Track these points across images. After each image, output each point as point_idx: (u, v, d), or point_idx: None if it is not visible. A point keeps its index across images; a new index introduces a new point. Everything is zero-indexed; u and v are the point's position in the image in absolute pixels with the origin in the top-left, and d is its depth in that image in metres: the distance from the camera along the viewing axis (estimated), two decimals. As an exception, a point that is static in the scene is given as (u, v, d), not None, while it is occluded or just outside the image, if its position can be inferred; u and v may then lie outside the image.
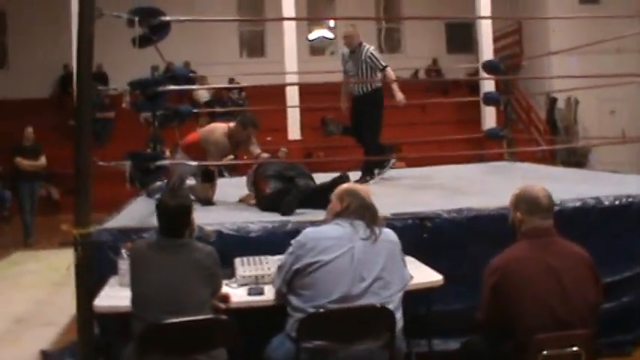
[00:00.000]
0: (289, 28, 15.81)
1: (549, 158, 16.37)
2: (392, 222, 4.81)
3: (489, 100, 9.63)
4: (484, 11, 15.27)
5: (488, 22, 15.89)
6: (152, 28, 5.09)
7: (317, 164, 12.64)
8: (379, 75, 7.77)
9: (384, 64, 7.79)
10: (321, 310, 3.39)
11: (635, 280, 5.30)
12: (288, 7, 15.58)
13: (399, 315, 3.54)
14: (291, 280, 3.58)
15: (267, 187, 5.95)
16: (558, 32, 17.92)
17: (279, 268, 3.72)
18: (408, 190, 7.14)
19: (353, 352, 3.40)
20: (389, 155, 8.25)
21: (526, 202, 3.51)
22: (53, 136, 16.33)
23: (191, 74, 17.47)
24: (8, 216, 14.62)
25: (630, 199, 5.41)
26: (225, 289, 4.03)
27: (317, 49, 22.01)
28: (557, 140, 17.10)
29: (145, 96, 5.06)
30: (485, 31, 16.09)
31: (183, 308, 3.49)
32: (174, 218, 3.74)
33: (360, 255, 3.52)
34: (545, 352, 3.21)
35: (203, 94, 18.63)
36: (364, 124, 7.94)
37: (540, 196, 3.50)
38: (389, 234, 3.74)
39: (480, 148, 12.95)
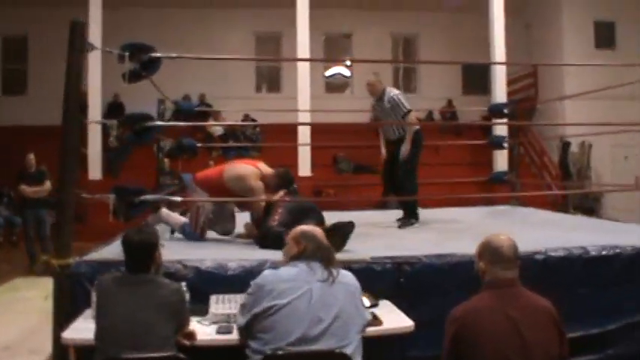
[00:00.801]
0: (303, 66, 15.97)
1: (561, 203, 16.29)
2: (371, 265, 4.83)
3: (494, 143, 9.61)
4: (499, 55, 15.33)
5: (503, 66, 15.93)
6: (143, 64, 5.14)
7: (326, 202, 12.63)
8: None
9: (407, 108, 7.58)
10: (279, 352, 3.38)
11: (619, 333, 5.20)
12: (304, 45, 15.74)
13: (358, 358, 3.52)
14: (251, 324, 3.58)
15: (275, 221, 5.94)
16: (573, 76, 17.91)
17: (242, 306, 3.73)
18: (400, 232, 7.11)
19: None
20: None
21: (489, 252, 3.48)
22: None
23: (204, 108, 17.77)
24: (16, 241, 14.75)
25: (618, 250, 5.32)
26: (197, 326, 4.04)
27: (333, 86, 22.11)
28: (569, 185, 17.00)
29: (133, 131, 5.10)
30: (499, 75, 16.15)
31: (145, 344, 3.50)
32: (138, 254, 3.76)
33: (318, 297, 3.52)
34: (504, 405, 3.17)
35: (217, 128, 18.75)
36: (400, 166, 7.69)
37: (504, 246, 3.46)
38: (346, 275, 3.74)
39: (492, 192, 12.85)
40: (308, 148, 16.12)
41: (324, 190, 16.40)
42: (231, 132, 19.01)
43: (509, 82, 18.31)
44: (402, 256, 4.96)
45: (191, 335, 3.87)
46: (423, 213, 8.31)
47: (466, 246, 5.32)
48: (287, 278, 3.61)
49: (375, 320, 4.04)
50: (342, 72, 22.23)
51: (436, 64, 20.09)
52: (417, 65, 22.25)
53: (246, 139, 18.65)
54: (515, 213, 9.12)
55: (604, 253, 5.30)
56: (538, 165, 19.06)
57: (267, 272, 3.72)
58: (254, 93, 21.35)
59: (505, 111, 9.07)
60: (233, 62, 20.12)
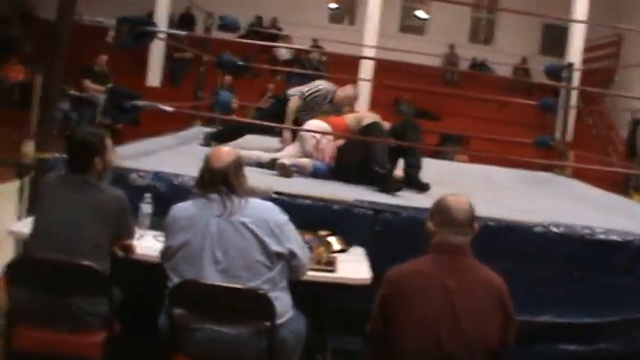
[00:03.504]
0: (375, 1, 15.63)
1: (621, 183, 15.50)
2: (351, 208, 4.56)
3: (544, 107, 9.11)
4: (580, 16, 14.61)
5: (582, 28, 15.19)
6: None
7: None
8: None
9: None
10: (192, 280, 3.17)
11: (617, 327, 4.74)
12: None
13: (280, 302, 3.24)
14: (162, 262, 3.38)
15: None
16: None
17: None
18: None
19: (221, 334, 3.15)
20: None
21: (439, 212, 3.12)
22: (125, 66, 16.49)
23: (275, 31, 17.56)
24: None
25: (629, 238, 4.76)
26: (150, 240, 3.89)
27: (409, 26, 21.57)
28: (633, 166, 16.14)
29: (131, 34, 4.88)
30: (577, 37, 15.43)
31: (73, 249, 3.39)
32: (76, 153, 3.61)
33: (214, 234, 3.21)
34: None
35: (284, 53, 18.58)
36: None
37: (458, 210, 3.08)
38: (259, 208, 3.33)
39: (551, 157, 12.03)
40: (368, 85, 15.79)
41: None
42: (297, 58, 18.84)
43: (590, 49, 17.48)
44: (384, 204, 4.64)
45: (128, 248, 3.72)
46: (462, 167, 7.96)
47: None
48: (185, 214, 3.32)
49: (329, 266, 3.81)
50: (419, 14, 21.64)
51: (514, 13, 19.14)
52: (497, 18, 21.47)
53: (311, 68, 18.39)
54: (553, 182, 8.64)
55: (612, 237, 4.77)
56: (604, 139, 18.21)
57: (174, 207, 3.44)
58: (327, 22, 21.00)
59: (561, 73, 8.57)
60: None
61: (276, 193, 4.45)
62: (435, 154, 12.73)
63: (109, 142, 3.70)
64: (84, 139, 3.62)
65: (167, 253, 3.31)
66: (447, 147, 15.44)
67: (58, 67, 4.62)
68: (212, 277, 3.16)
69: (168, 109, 5.31)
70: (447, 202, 3.14)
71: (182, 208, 3.37)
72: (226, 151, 3.43)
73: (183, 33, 7.45)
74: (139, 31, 4.86)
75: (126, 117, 4.92)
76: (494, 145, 14.00)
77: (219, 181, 3.30)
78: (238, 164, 3.40)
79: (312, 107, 6.98)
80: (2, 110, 15.91)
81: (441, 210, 3.14)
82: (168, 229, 3.33)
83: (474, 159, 13.03)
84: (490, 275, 3.07)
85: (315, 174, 5.88)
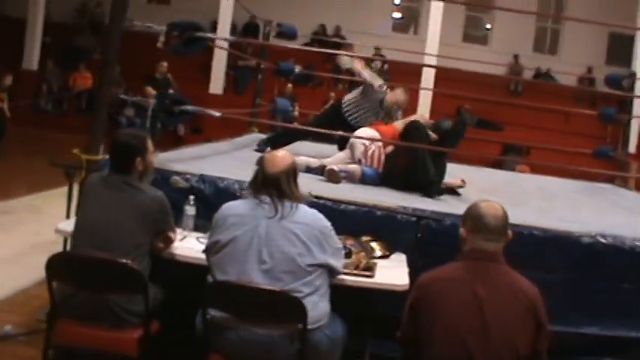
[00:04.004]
0: (437, 9, 15.54)
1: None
2: (394, 214, 4.55)
3: (604, 116, 8.93)
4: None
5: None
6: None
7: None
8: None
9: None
10: (228, 280, 3.23)
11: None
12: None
13: (318, 307, 3.26)
14: (207, 259, 3.45)
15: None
16: None
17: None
18: (468, 192, 6.67)
19: (254, 335, 3.19)
20: None
21: (471, 218, 3.06)
22: (190, 74, 16.73)
23: (337, 39, 17.64)
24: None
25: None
26: (193, 241, 3.96)
27: (472, 36, 21.41)
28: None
29: (182, 39, 4.97)
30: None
31: (114, 247, 3.47)
32: (117, 154, 3.70)
33: (263, 235, 3.26)
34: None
35: (346, 60, 18.58)
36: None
37: (490, 215, 3.01)
38: (306, 214, 3.38)
39: (615, 168, 11.78)
40: (429, 93, 15.73)
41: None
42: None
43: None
44: (427, 211, 4.60)
45: (168, 239, 3.79)
46: (519, 177, 7.83)
47: (519, 214, 4.87)
48: (236, 212, 3.38)
49: (368, 271, 3.79)
50: (484, 25, 21.50)
51: (580, 21, 18.74)
52: (562, 28, 21.19)
53: (372, 77, 18.38)
54: (611, 193, 8.48)
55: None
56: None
57: (225, 204, 3.50)
58: (390, 32, 20.97)
59: (622, 82, 8.39)
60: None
61: (317, 197, 4.47)
62: (497, 164, 12.69)
63: (150, 144, 3.78)
64: (125, 140, 3.71)
65: (213, 248, 3.37)
66: (508, 157, 15.31)
67: (109, 73, 4.73)
68: (255, 275, 3.21)
69: (216, 114, 5.37)
70: (480, 209, 3.07)
71: (233, 206, 3.45)
72: (282, 157, 3.50)
73: (231, 38, 7.48)
74: (189, 36, 4.94)
75: (174, 121, 5.01)
76: (557, 155, 13.81)
77: (271, 185, 3.36)
78: (292, 170, 3.47)
79: (364, 102, 6.87)
80: (69, 116, 16.45)
81: (473, 216, 3.07)
82: (217, 224, 3.39)
83: (534, 169, 12.90)
84: (522, 283, 2.99)
85: (364, 180, 5.88)
